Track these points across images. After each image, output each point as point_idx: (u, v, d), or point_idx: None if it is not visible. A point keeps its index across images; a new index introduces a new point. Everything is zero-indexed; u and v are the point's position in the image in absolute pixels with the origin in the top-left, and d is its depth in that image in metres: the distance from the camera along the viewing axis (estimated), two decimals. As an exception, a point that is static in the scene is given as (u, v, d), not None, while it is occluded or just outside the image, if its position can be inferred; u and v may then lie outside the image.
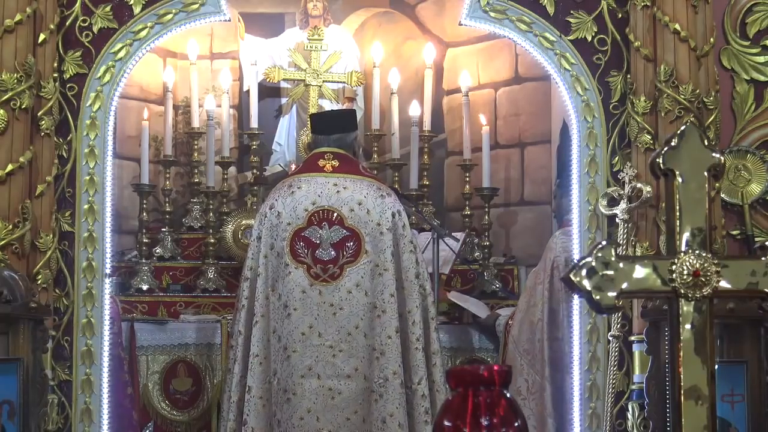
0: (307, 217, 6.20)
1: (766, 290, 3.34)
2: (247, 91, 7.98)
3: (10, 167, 5.65)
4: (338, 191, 6.23)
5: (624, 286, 3.30)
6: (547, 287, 6.47)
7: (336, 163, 6.33)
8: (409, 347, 6.11)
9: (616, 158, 6.00)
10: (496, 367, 3.10)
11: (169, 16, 6.08)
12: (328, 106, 7.95)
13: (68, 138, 5.95)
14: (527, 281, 6.97)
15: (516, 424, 3.07)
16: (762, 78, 6.21)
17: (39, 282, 5.71)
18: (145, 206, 7.56)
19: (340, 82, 8.07)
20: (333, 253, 6.18)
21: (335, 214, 6.21)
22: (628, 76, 5.97)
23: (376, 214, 6.20)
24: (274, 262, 6.18)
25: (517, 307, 6.74)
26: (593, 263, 3.29)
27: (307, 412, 6.05)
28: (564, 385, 6.36)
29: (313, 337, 6.09)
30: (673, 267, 3.29)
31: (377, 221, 6.19)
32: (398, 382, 6.04)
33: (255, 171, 7.84)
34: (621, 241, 5.79)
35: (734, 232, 6.10)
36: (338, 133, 6.43)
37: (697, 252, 3.29)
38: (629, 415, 5.70)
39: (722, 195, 6.00)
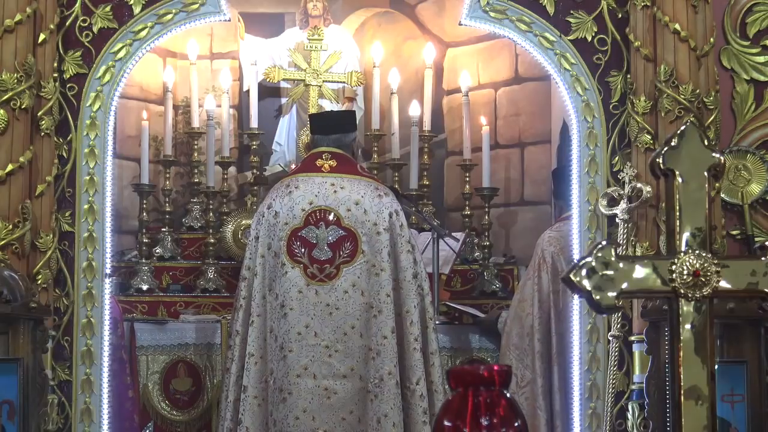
0: (304, 216, 6.20)
1: (766, 290, 3.34)
2: (247, 91, 7.98)
3: (10, 167, 5.64)
4: (335, 191, 6.23)
5: (624, 286, 3.30)
6: (536, 282, 6.50)
7: (334, 162, 6.33)
8: (407, 347, 6.11)
9: (616, 158, 5.99)
10: (496, 367, 3.10)
11: (169, 16, 6.07)
12: (328, 106, 7.95)
13: (68, 138, 5.95)
14: (521, 279, 7.01)
15: (516, 424, 3.07)
16: (762, 78, 6.20)
17: (39, 282, 5.70)
18: (145, 206, 7.56)
19: (340, 82, 8.06)
20: (329, 252, 6.18)
21: (332, 214, 6.21)
22: (628, 76, 5.97)
23: (373, 214, 6.20)
24: (271, 261, 6.19)
25: (510, 304, 6.79)
26: (593, 263, 3.29)
27: (303, 411, 6.05)
28: (553, 378, 6.39)
29: (309, 336, 6.09)
30: (673, 267, 3.29)
31: (374, 221, 6.19)
32: (393, 383, 6.04)
33: (255, 171, 7.84)
34: (621, 241, 5.79)
35: (734, 232, 6.10)
36: (337, 134, 6.44)
37: (697, 252, 3.29)
38: (629, 415, 5.70)
39: (722, 195, 6.00)
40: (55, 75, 5.85)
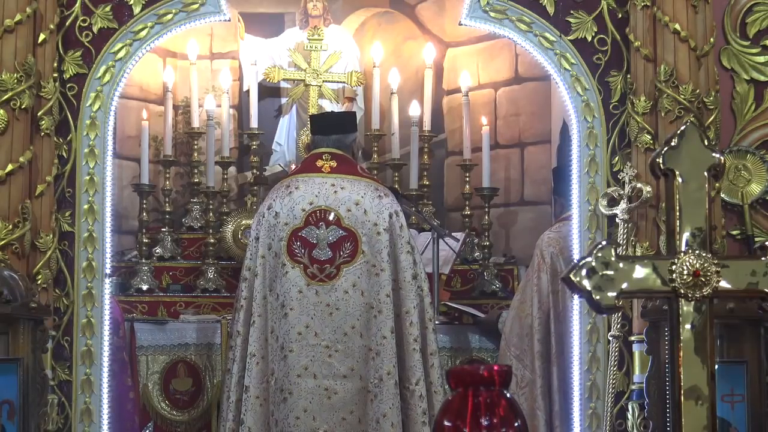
0: (305, 217, 6.20)
1: (766, 290, 3.34)
2: (247, 91, 7.98)
3: (10, 167, 5.64)
4: (336, 191, 6.24)
5: (624, 286, 3.30)
6: (535, 283, 6.50)
7: (334, 163, 6.33)
8: (406, 348, 6.11)
9: (616, 158, 5.99)
10: (496, 367, 3.10)
11: (169, 16, 6.07)
12: (328, 106, 7.95)
13: (68, 138, 5.95)
14: (522, 280, 7.01)
15: (516, 424, 3.07)
16: (762, 78, 6.20)
17: (39, 282, 5.70)
18: (145, 206, 7.56)
19: (340, 82, 8.07)
20: (330, 253, 6.18)
21: (332, 214, 6.21)
22: (628, 76, 5.97)
23: (374, 215, 6.20)
24: (271, 262, 6.19)
25: (511, 304, 6.78)
26: (593, 263, 3.29)
27: (303, 411, 6.05)
28: (553, 378, 6.39)
29: (309, 336, 6.10)
30: (673, 267, 3.29)
31: (374, 221, 6.19)
32: (392, 383, 6.04)
33: (255, 171, 7.84)
34: (621, 241, 5.79)
35: (734, 232, 6.10)
36: (337, 134, 6.43)
37: (697, 252, 3.29)
38: (629, 415, 5.70)
39: (722, 195, 6.00)
40: (55, 75, 5.85)
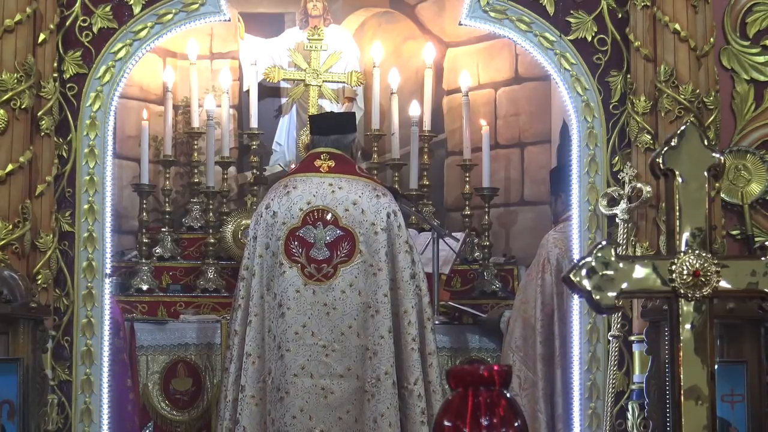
0: (302, 216, 6.21)
1: (766, 290, 3.34)
2: (247, 91, 7.98)
3: (10, 167, 5.64)
4: (333, 191, 6.24)
5: (624, 286, 3.30)
6: (539, 284, 6.49)
7: (332, 163, 6.33)
8: (404, 348, 6.11)
9: (616, 158, 5.99)
10: (496, 367, 3.10)
11: (169, 16, 6.07)
12: (328, 106, 7.95)
13: (68, 138, 5.95)
14: (522, 279, 7.00)
15: (516, 424, 3.07)
16: (762, 78, 6.20)
17: (39, 282, 5.70)
18: (145, 206, 7.56)
19: (340, 82, 8.07)
20: (327, 252, 6.18)
21: (330, 214, 6.21)
22: (628, 76, 5.97)
23: (371, 214, 6.20)
24: (269, 261, 6.19)
25: (513, 304, 6.77)
26: (593, 263, 3.29)
27: (300, 411, 6.05)
28: (554, 381, 6.38)
29: (306, 336, 6.10)
30: (673, 267, 3.29)
31: (372, 221, 6.19)
32: (390, 382, 6.04)
33: (255, 171, 7.84)
34: (621, 241, 5.79)
35: (734, 232, 6.09)
36: (336, 134, 6.44)
37: (697, 252, 3.29)
38: (629, 415, 5.70)
39: (722, 195, 6.00)
40: (55, 75, 5.85)
